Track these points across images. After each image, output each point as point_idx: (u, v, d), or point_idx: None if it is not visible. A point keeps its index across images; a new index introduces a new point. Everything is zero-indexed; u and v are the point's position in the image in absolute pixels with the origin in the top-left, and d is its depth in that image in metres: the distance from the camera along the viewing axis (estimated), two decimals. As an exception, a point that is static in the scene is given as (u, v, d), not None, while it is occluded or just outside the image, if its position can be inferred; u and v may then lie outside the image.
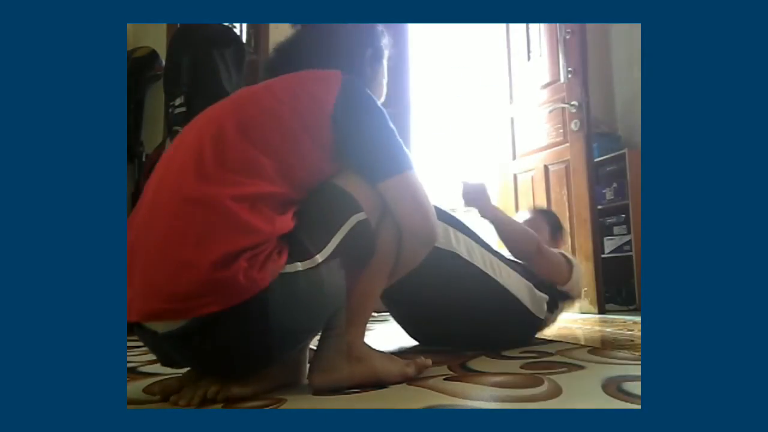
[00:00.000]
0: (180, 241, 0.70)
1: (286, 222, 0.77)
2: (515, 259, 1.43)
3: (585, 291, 2.68)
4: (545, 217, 1.74)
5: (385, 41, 1.04)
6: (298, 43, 0.98)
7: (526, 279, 1.35)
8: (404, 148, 0.90)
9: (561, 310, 1.49)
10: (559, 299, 1.45)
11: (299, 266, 0.75)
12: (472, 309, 1.26)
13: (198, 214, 0.72)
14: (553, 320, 1.50)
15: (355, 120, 0.86)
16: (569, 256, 1.52)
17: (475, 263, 1.26)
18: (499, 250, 1.38)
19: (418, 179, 0.89)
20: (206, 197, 0.73)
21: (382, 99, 1.06)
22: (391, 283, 0.95)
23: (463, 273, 1.25)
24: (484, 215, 1.47)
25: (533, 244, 1.40)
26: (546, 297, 1.37)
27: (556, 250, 1.51)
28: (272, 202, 0.77)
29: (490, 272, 1.27)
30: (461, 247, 1.26)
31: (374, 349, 0.90)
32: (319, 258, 0.77)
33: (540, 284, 1.38)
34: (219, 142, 0.79)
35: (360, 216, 0.83)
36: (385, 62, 1.05)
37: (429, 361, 0.96)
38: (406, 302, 1.32)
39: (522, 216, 1.76)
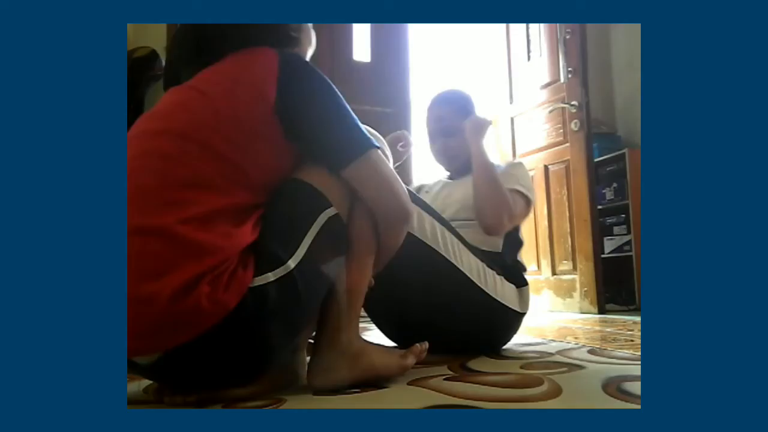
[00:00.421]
0: (135, 278, 0.65)
1: (245, 233, 0.72)
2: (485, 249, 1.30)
3: (585, 291, 2.68)
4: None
5: None
6: (208, 27, 0.86)
7: (505, 277, 1.27)
8: (360, 125, 0.83)
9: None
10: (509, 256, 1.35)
11: (270, 276, 0.71)
12: (452, 313, 1.19)
13: (147, 246, 0.66)
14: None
15: (303, 105, 0.78)
16: (525, 191, 1.36)
17: (458, 266, 1.18)
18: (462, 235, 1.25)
19: (381, 156, 0.83)
20: (153, 226, 0.67)
21: (313, 44, 0.96)
22: (379, 269, 0.92)
23: (444, 276, 1.17)
24: (472, 150, 1.36)
25: (504, 211, 1.27)
26: (512, 287, 1.29)
27: (512, 192, 1.33)
28: (227, 216, 0.72)
29: (476, 280, 1.20)
30: (441, 244, 1.17)
31: (371, 343, 0.90)
32: (292, 263, 0.73)
33: (507, 274, 1.29)
34: (157, 160, 0.72)
35: (330, 212, 0.79)
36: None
37: (426, 345, 0.95)
38: (384, 301, 1.21)
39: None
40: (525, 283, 1.35)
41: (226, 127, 0.74)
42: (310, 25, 0.96)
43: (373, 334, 1.70)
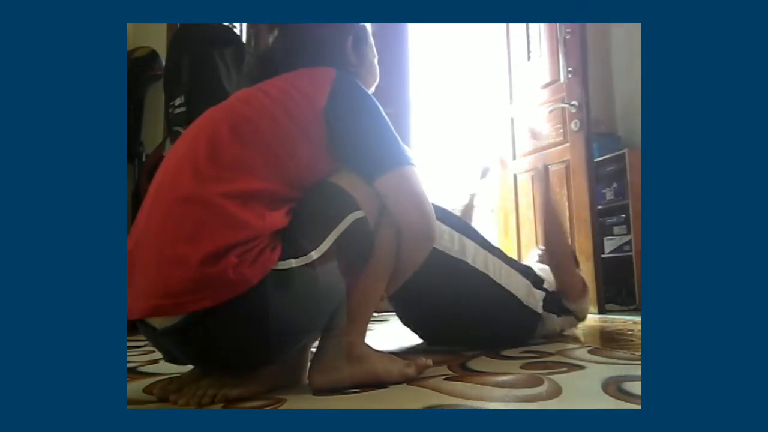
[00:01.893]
0: (172, 239, 0.71)
1: (278, 218, 0.77)
2: (515, 259, 1.45)
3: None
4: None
5: (366, 26, 1.04)
6: (278, 46, 0.98)
7: (524, 278, 1.37)
8: (400, 142, 0.89)
9: (563, 322, 1.51)
10: (558, 306, 1.47)
11: (293, 263, 0.74)
12: (472, 310, 1.27)
13: (189, 212, 0.73)
14: (555, 326, 1.50)
15: (348, 115, 0.86)
16: (586, 281, 1.60)
17: (477, 266, 1.27)
18: (499, 249, 1.39)
19: (416, 174, 0.88)
20: (197, 195, 0.74)
21: (376, 82, 1.07)
22: (397, 286, 0.95)
23: (464, 276, 1.25)
24: (543, 197, 1.63)
25: (569, 248, 1.56)
26: (542, 293, 1.40)
27: (578, 273, 1.59)
28: (264, 199, 0.77)
29: (491, 274, 1.28)
30: (465, 251, 1.26)
31: (375, 350, 0.90)
32: (314, 255, 0.76)
33: (537, 282, 1.41)
34: (213, 142, 0.79)
35: (357, 214, 0.82)
36: (371, 43, 1.05)
37: (429, 362, 0.96)
38: (410, 303, 1.34)
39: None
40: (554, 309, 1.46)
41: (277, 122, 0.82)
42: (376, 61, 1.06)
43: (376, 335, 1.70)
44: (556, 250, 1.51)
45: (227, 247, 0.70)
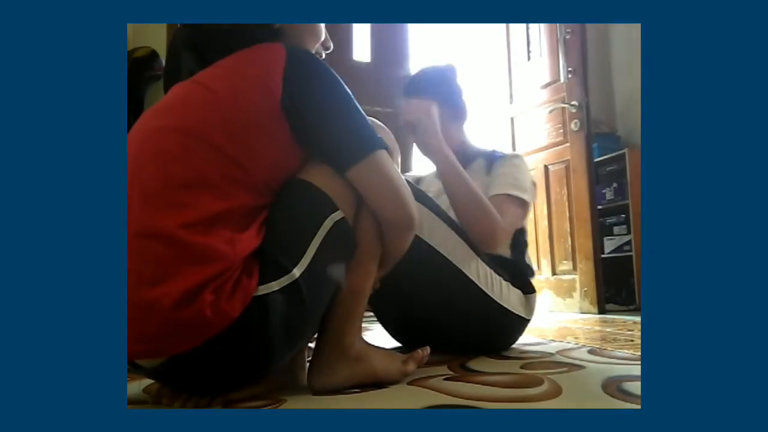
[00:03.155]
0: (137, 282, 0.63)
1: (250, 239, 0.70)
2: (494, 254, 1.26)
3: (585, 291, 2.68)
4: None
5: None
6: (207, 26, 0.84)
7: (512, 283, 1.25)
8: (368, 124, 0.80)
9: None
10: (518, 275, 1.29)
11: (274, 285, 0.69)
12: (457, 317, 1.18)
13: (149, 251, 0.64)
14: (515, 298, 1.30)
15: (310, 101, 0.75)
16: (518, 194, 1.26)
17: (465, 273, 1.15)
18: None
19: (388, 158, 0.80)
20: (154, 230, 0.65)
21: (320, 40, 0.93)
22: (385, 272, 0.91)
23: (450, 281, 1.14)
24: (426, 151, 1.22)
25: (492, 228, 1.18)
26: (518, 291, 1.27)
27: (502, 199, 1.24)
28: (230, 220, 0.69)
29: (482, 286, 1.17)
30: (450, 249, 1.14)
31: (372, 347, 0.89)
32: (297, 272, 0.70)
33: (512, 277, 1.26)
34: (159, 159, 0.69)
35: (336, 216, 0.76)
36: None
37: (427, 350, 0.94)
38: (390, 302, 1.23)
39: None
40: (532, 290, 1.31)
41: (230, 123, 0.72)
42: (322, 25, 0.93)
43: (374, 334, 1.70)
44: (473, 226, 1.19)
45: (199, 286, 0.63)
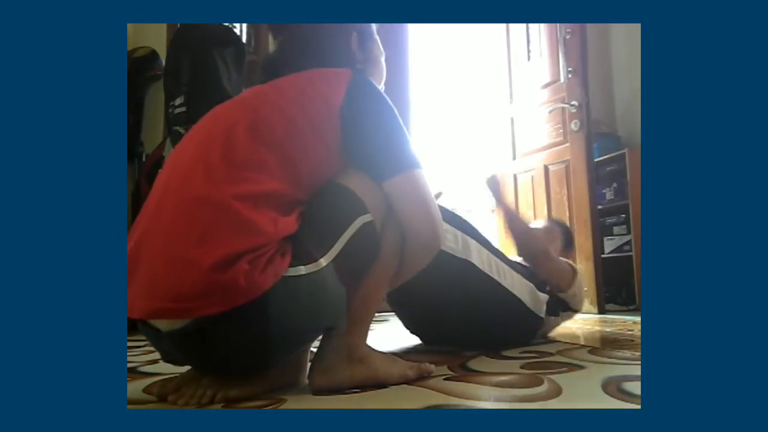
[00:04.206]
0: (182, 240, 0.70)
1: (289, 224, 0.76)
2: (518, 261, 1.45)
3: (585, 291, 2.68)
4: (560, 227, 1.82)
5: (371, 24, 1.03)
6: (283, 47, 0.98)
7: (528, 280, 1.36)
8: (411, 144, 0.89)
9: (562, 319, 1.51)
10: (559, 307, 1.47)
11: (302, 270, 0.74)
12: (476, 312, 1.27)
13: (201, 213, 0.71)
14: (554, 325, 1.51)
15: (364, 115, 0.85)
16: (575, 265, 1.57)
17: (481, 268, 1.26)
18: (501, 251, 1.38)
19: (425, 179, 0.88)
20: (209, 196, 0.72)
21: (384, 79, 1.06)
22: (395, 286, 0.94)
23: (469, 277, 1.25)
24: (499, 203, 1.58)
25: (540, 246, 1.47)
26: (546, 296, 1.39)
27: (563, 259, 1.56)
28: (276, 202, 0.76)
29: (495, 276, 1.28)
30: (469, 251, 1.25)
31: (376, 351, 0.90)
32: (323, 262, 0.76)
33: (540, 284, 1.41)
34: (226, 140, 0.78)
35: (366, 218, 0.81)
36: (377, 39, 1.04)
37: (432, 367, 0.96)
38: (411, 303, 1.33)
39: (537, 224, 1.83)
40: (555, 310, 1.46)
41: (293, 122, 0.80)
42: (383, 58, 1.06)
43: (378, 335, 1.70)
44: (527, 246, 1.50)
45: (238, 253, 0.69)
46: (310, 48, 0.96)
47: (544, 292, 1.39)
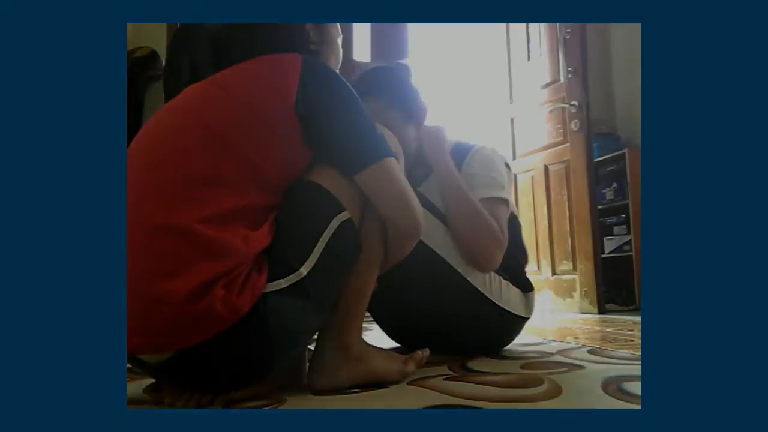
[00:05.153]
0: (149, 275, 0.65)
1: (262, 237, 0.72)
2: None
3: (585, 291, 2.68)
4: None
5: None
6: (229, 28, 0.88)
7: (511, 282, 1.23)
8: (378, 131, 0.82)
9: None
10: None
11: (283, 283, 0.71)
12: (456, 319, 1.17)
13: (165, 244, 0.66)
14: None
15: (322, 107, 0.78)
16: (506, 195, 1.22)
17: (465, 276, 1.14)
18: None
19: (396, 166, 0.82)
20: (171, 224, 0.67)
21: (340, 62, 0.97)
22: (382, 272, 0.90)
23: (449, 284, 1.14)
24: (437, 168, 1.20)
25: (495, 246, 1.14)
26: (533, 292, 1.28)
27: (493, 204, 1.18)
28: (244, 217, 0.72)
29: (481, 288, 1.16)
30: (450, 251, 1.14)
31: (373, 347, 0.90)
32: (304, 270, 0.72)
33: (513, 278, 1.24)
34: (176, 155, 0.72)
35: (343, 216, 0.77)
36: (331, 27, 0.94)
37: (427, 351, 0.94)
38: (388, 304, 1.19)
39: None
40: (531, 288, 1.30)
41: (246, 124, 0.74)
42: (340, 40, 0.96)
43: (374, 335, 1.70)
44: (471, 244, 1.14)
45: (212, 279, 0.65)
46: (257, 27, 0.86)
47: (514, 286, 1.23)
